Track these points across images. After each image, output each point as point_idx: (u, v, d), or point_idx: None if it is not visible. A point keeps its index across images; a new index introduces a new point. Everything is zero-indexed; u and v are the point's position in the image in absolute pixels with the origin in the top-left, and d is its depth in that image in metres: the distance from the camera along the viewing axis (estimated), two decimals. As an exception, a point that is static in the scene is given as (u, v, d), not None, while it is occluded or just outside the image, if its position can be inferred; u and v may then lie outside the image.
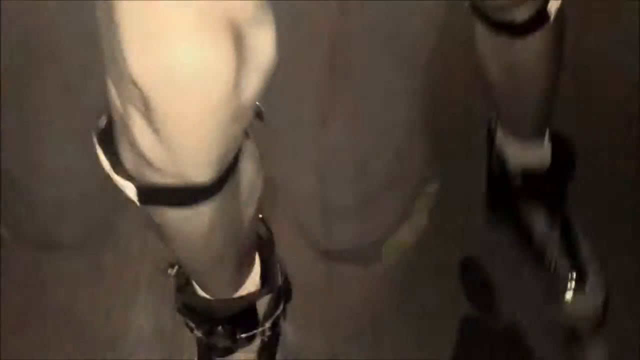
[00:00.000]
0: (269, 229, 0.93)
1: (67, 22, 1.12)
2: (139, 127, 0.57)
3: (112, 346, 1.21)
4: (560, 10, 0.98)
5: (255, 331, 0.93)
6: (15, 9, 1.10)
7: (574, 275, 1.23)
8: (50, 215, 1.30)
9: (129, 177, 0.64)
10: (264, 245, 0.92)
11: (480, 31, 1.06)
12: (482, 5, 1.00)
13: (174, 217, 0.68)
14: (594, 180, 1.35)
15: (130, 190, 0.65)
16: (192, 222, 0.69)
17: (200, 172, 0.61)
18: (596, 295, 1.23)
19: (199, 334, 0.93)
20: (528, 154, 1.21)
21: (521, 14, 0.97)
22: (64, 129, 1.22)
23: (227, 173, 0.65)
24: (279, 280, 0.94)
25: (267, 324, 0.94)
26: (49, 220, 1.30)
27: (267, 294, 0.92)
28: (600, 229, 1.29)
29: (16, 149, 1.24)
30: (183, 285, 0.91)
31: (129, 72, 0.51)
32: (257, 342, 0.95)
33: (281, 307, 0.96)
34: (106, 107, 0.62)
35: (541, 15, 0.98)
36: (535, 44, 1.03)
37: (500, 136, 1.23)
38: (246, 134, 0.68)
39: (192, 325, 0.93)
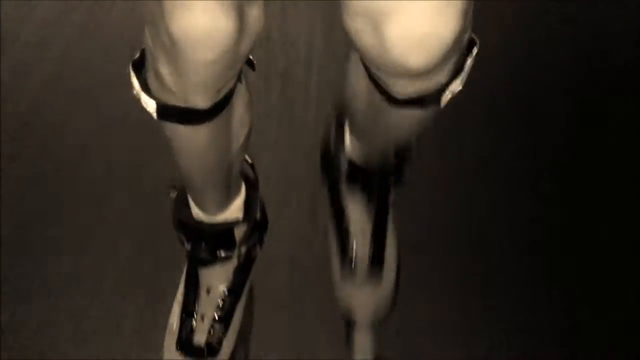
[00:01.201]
0: (255, 172, 1.18)
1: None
2: (163, 62, 0.81)
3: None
4: (454, 96, 0.86)
5: (231, 252, 1.16)
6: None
7: (370, 267, 1.25)
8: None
9: (152, 96, 0.88)
10: (249, 183, 1.16)
11: (356, 74, 0.94)
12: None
13: (180, 132, 0.92)
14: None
15: (151, 106, 0.89)
16: (192, 137, 0.94)
17: (200, 99, 0.85)
18: (384, 293, 1.27)
19: (187, 247, 1.16)
20: (363, 158, 1.21)
21: (404, 94, 0.83)
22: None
23: (222, 104, 0.88)
24: (258, 214, 1.19)
25: (243, 248, 1.17)
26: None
27: (245, 223, 1.15)
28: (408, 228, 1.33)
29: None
30: (180, 206, 1.15)
31: (165, 28, 0.75)
32: (233, 261, 1.18)
33: (256, 237, 1.19)
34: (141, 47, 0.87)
35: (427, 99, 0.84)
36: (410, 114, 0.91)
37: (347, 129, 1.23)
38: (239, 79, 0.91)
39: (183, 239, 1.16)
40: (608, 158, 1.52)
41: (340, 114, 1.25)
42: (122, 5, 1.70)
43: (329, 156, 1.29)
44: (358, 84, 0.98)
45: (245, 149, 1.08)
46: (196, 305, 1.19)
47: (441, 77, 0.82)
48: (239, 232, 1.15)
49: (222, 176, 1.07)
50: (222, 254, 1.16)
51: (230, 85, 0.87)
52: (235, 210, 1.16)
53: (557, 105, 1.58)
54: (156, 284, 1.32)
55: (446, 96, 0.85)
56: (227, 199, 1.14)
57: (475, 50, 0.84)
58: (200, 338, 1.18)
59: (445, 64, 0.78)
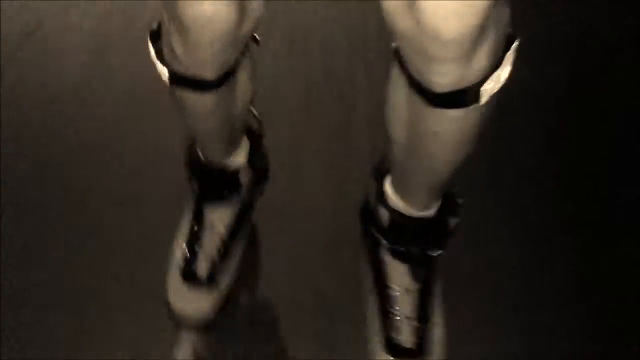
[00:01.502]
0: (261, 125, 1.26)
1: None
2: (176, 39, 0.94)
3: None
4: (494, 95, 0.85)
5: (235, 194, 1.25)
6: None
7: (414, 350, 1.14)
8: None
9: (165, 64, 1.00)
10: (253, 135, 1.25)
11: (398, 80, 0.92)
12: (403, 57, 0.86)
13: (189, 97, 1.04)
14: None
15: (164, 74, 1.01)
16: (199, 102, 1.05)
17: (207, 72, 0.97)
18: None
19: (196, 186, 1.25)
20: (407, 207, 1.12)
21: (442, 86, 0.83)
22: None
23: (226, 76, 1.00)
24: (261, 164, 1.28)
25: (246, 194, 1.26)
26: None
27: (249, 170, 1.25)
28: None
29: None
30: (191, 151, 1.24)
31: (178, 12, 0.89)
32: (236, 204, 1.26)
33: (258, 185, 1.28)
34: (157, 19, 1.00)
35: (467, 93, 0.84)
36: (451, 120, 0.89)
37: (388, 179, 1.13)
38: (245, 54, 1.02)
39: (193, 178, 1.25)
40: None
41: (379, 168, 1.15)
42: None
43: (368, 208, 1.19)
44: (398, 96, 0.96)
45: (247, 111, 1.18)
46: (201, 240, 1.25)
47: (478, 64, 0.80)
48: (243, 178, 1.24)
49: (226, 133, 1.18)
50: (227, 194, 1.25)
51: (233, 60, 0.99)
52: (239, 158, 1.24)
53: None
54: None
55: (486, 91, 0.83)
56: (230, 151, 1.22)
57: (514, 46, 0.84)
58: (202, 270, 1.24)
59: (480, 41, 0.78)
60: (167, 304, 1.24)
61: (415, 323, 1.15)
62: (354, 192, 1.29)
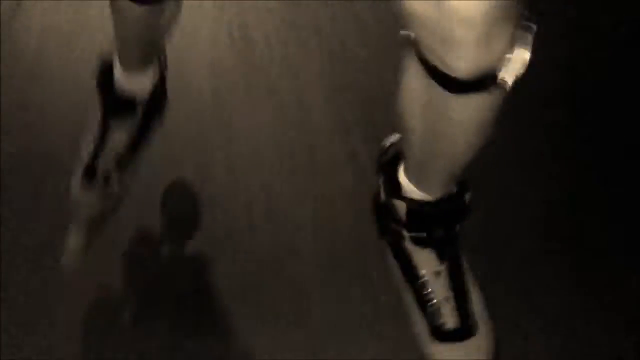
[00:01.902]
0: (166, 59, 1.33)
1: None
2: None
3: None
4: (517, 78, 0.85)
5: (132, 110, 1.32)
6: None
7: (459, 329, 1.15)
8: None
9: None
10: (162, 64, 1.32)
11: (413, 69, 0.92)
12: (419, 44, 0.86)
13: (125, 5, 1.12)
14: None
15: None
16: (132, 13, 1.14)
17: None
18: (477, 353, 1.16)
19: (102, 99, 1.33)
20: (424, 194, 1.12)
21: (462, 70, 0.83)
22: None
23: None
24: (161, 94, 1.35)
25: (141, 116, 1.33)
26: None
27: (149, 95, 1.32)
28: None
29: None
30: (104, 67, 1.31)
31: None
32: (136, 121, 1.34)
33: (158, 106, 1.35)
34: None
35: (486, 76, 0.84)
36: (469, 106, 0.90)
37: (401, 169, 1.13)
38: None
39: (100, 91, 1.32)
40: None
41: (388, 159, 1.15)
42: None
43: (383, 205, 1.18)
44: (413, 86, 0.95)
45: (165, 38, 1.28)
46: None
47: (498, 46, 0.81)
48: (142, 95, 1.32)
49: (145, 45, 1.27)
50: (124, 114, 1.33)
51: None
52: (145, 81, 1.31)
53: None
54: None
55: (506, 75, 0.83)
56: (142, 66, 1.30)
57: (533, 28, 0.83)
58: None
59: (500, 23, 0.78)
60: (68, 194, 1.38)
61: (452, 303, 1.16)
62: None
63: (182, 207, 1.52)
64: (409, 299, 1.19)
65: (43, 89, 1.66)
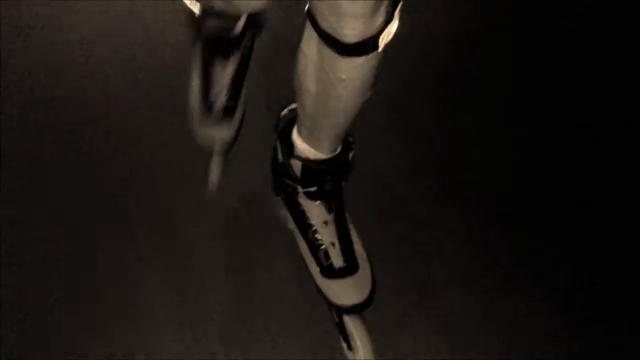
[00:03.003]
0: None
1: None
2: None
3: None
4: (387, 44, 1.07)
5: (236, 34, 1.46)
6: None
7: (345, 267, 1.36)
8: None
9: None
10: None
11: (309, 36, 1.13)
12: (316, 16, 1.07)
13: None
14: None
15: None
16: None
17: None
18: (361, 287, 1.37)
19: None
20: (315, 152, 1.32)
21: (351, 37, 1.04)
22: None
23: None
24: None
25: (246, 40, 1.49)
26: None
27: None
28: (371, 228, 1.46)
29: None
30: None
31: None
32: (238, 54, 1.49)
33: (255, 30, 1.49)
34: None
35: (369, 43, 1.06)
36: (355, 66, 1.11)
37: (295, 131, 1.34)
38: None
39: (199, 22, 1.43)
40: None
41: (285, 125, 1.36)
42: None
43: (279, 165, 1.38)
44: (311, 51, 1.15)
45: None
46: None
47: (379, 19, 1.03)
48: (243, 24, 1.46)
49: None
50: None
51: None
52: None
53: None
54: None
55: (382, 41, 1.06)
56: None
57: (400, 4, 1.05)
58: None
59: (383, 3, 1.02)
60: (194, 135, 1.50)
61: (339, 246, 1.37)
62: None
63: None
64: (302, 245, 1.40)
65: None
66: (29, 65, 1.72)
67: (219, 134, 1.51)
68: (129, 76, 1.72)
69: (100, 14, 1.80)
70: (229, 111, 1.50)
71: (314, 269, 1.38)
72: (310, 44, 1.14)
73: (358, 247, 1.40)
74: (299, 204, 1.38)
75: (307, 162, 1.33)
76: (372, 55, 1.09)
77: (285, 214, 1.42)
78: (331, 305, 1.39)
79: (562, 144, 1.70)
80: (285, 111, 1.36)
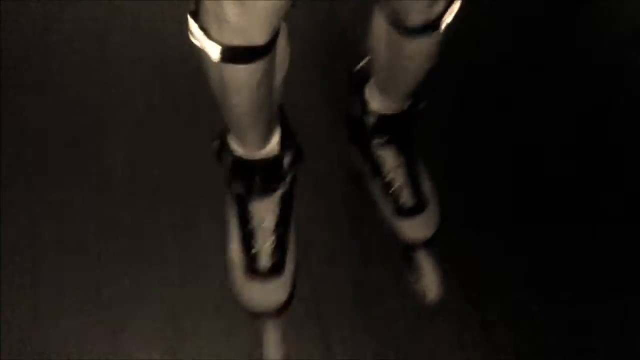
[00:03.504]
0: (283, 108, 1.32)
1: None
2: (228, 5, 0.98)
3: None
4: (448, 25, 1.20)
5: (280, 183, 1.36)
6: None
7: (415, 204, 1.52)
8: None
9: (215, 41, 1.04)
10: (284, 117, 1.34)
11: (378, 23, 1.27)
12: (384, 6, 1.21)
13: (239, 72, 1.08)
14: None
15: (215, 50, 1.04)
16: (248, 76, 1.10)
17: (259, 35, 1.03)
18: (429, 223, 1.54)
19: (238, 187, 1.33)
20: (388, 106, 1.48)
21: (416, 21, 1.18)
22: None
23: (275, 38, 1.06)
24: (295, 142, 1.37)
25: (288, 178, 1.38)
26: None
27: (288, 153, 1.34)
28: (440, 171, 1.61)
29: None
30: (225, 151, 1.31)
31: None
32: (278, 193, 1.38)
33: (295, 167, 1.39)
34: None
35: (432, 25, 1.18)
36: (420, 45, 1.25)
37: (368, 89, 1.49)
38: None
39: (236, 179, 1.33)
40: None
41: (358, 81, 1.52)
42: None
43: (354, 118, 1.54)
44: (379, 31, 1.29)
45: (284, 82, 1.26)
46: (254, 238, 1.37)
47: (440, 6, 1.16)
48: (284, 163, 1.37)
49: (268, 109, 1.26)
50: (274, 185, 1.36)
51: (280, 21, 1.06)
52: (275, 145, 1.34)
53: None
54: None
55: (444, 22, 1.18)
56: (270, 133, 1.33)
57: None
58: (263, 263, 1.38)
59: None
60: (243, 306, 1.39)
61: (410, 187, 1.54)
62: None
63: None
64: (376, 190, 1.57)
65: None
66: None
67: (269, 296, 1.38)
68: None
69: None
70: (277, 267, 1.38)
71: (387, 210, 1.56)
72: (378, 24, 1.29)
73: (427, 186, 1.56)
74: (372, 152, 1.55)
75: (379, 116, 1.49)
76: (435, 34, 1.23)
77: (359, 160, 1.59)
78: (403, 242, 1.56)
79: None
80: (358, 67, 1.52)
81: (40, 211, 1.61)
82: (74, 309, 1.50)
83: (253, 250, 1.38)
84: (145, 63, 1.78)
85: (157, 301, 1.50)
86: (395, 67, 1.37)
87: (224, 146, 1.34)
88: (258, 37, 1.04)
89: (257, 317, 1.44)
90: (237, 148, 1.35)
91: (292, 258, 1.42)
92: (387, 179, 1.55)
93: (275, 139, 1.35)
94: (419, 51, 1.29)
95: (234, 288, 1.42)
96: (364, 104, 1.51)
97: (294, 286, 1.42)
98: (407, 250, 1.58)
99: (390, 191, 1.55)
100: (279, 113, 1.35)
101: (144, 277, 1.52)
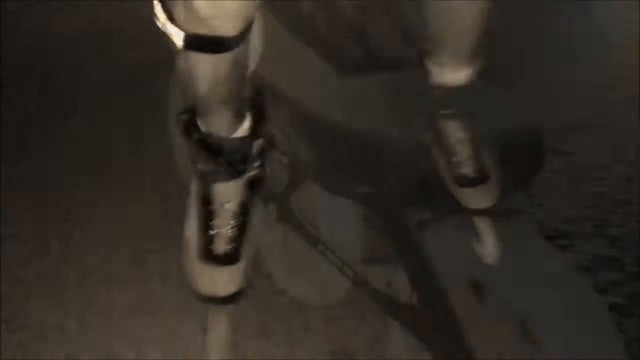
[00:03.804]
0: (261, 94, 1.27)
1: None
2: None
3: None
4: None
5: (246, 166, 1.28)
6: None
7: (477, 177, 1.60)
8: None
9: (179, 27, 0.99)
10: (258, 103, 1.26)
11: None
12: None
13: (203, 60, 1.03)
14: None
15: (178, 37, 1.00)
16: (214, 65, 1.04)
17: (230, 26, 0.97)
18: (489, 195, 1.63)
19: (203, 165, 1.25)
20: (449, 77, 1.53)
21: None
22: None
23: (244, 33, 1.01)
24: (268, 130, 1.29)
25: (255, 164, 1.29)
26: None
27: (257, 140, 1.27)
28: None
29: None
30: (193, 128, 1.23)
31: None
32: (244, 178, 1.29)
33: (265, 155, 1.30)
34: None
35: None
36: (473, 5, 1.30)
37: (429, 63, 1.55)
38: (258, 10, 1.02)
39: (201, 157, 1.24)
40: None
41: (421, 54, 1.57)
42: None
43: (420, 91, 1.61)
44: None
45: (256, 74, 1.18)
46: (214, 219, 1.31)
47: None
48: (252, 148, 1.28)
49: (237, 100, 1.18)
50: (240, 168, 1.28)
51: (254, 11, 1.00)
52: (245, 129, 1.26)
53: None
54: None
55: None
56: (238, 121, 1.25)
57: None
58: (219, 248, 1.32)
59: None
60: (193, 289, 1.36)
61: (473, 159, 1.61)
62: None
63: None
64: (440, 160, 1.65)
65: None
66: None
67: (219, 283, 1.34)
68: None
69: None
70: (232, 255, 1.33)
71: (449, 178, 1.64)
72: None
73: (489, 161, 1.63)
74: (439, 127, 1.62)
75: (444, 88, 1.56)
76: None
77: (426, 134, 1.67)
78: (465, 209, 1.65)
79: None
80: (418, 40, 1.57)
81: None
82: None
83: (211, 232, 1.32)
84: (145, 64, 1.79)
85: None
86: (451, 27, 1.40)
87: (192, 122, 1.26)
88: (228, 29, 0.99)
89: (204, 300, 1.40)
90: (204, 127, 1.27)
91: (248, 250, 1.37)
92: (451, 150, 1.62)
93: (246, 124, 1.27)
94: (472, 12, 1.34)
95: (185, 267, 1.39)
96: (427, 74, 1.57)
97: (248, 280, 1.38)
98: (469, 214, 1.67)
99: (453, 161, 1.62)
100: (251, 100, 1.26)
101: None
